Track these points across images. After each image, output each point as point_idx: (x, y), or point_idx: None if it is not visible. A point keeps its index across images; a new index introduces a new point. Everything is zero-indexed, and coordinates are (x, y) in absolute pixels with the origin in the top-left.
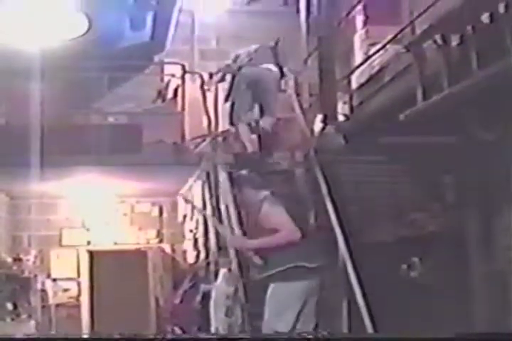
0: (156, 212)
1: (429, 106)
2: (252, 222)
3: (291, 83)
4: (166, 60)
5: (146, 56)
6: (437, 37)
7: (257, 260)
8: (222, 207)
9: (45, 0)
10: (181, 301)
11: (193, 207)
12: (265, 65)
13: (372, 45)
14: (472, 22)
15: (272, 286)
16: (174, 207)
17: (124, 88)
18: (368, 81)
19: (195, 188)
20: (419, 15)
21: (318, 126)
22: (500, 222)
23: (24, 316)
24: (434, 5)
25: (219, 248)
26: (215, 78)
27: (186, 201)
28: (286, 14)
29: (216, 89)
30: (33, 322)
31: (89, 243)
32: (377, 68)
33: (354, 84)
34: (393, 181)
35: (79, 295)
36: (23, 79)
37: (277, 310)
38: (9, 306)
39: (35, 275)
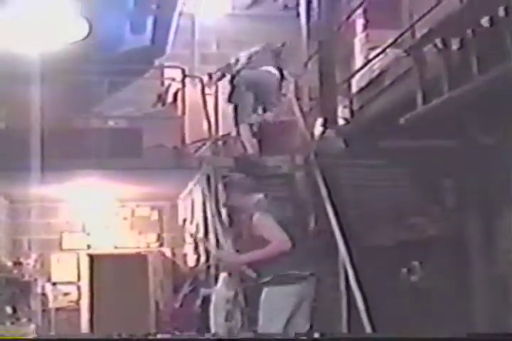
0: (156, 216)
1: (429, 110)
2: (245, 228)
3: (292, 87)
4: (166, 64)
5: (146, 60)
6: (437, 41)
7: (250, 273)
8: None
9: (45, 4)
10: (181, 305)
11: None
12: (264, 67)
13: (373, 49)
14: (472, 26)
15: (265, 290)
16: (174, 211)
17: (124, 92)
18: (368, 85)
19: (195, 192)
20: (419, 19)
21: (318, 129)
22: (501, 226)
23: (24, 320)
24: (434, 9)
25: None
26: (215, 77)
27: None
28: (287, 18)
29: (216, 93)
30: (32, 326)
31: (89, 247)
32: (377, 72)
33: (354, 88)
34: (393, 185)
35: (79, 299)
36: (24, 83)
37: (270, 314)
38: (9, 310)
39: (35, 279)
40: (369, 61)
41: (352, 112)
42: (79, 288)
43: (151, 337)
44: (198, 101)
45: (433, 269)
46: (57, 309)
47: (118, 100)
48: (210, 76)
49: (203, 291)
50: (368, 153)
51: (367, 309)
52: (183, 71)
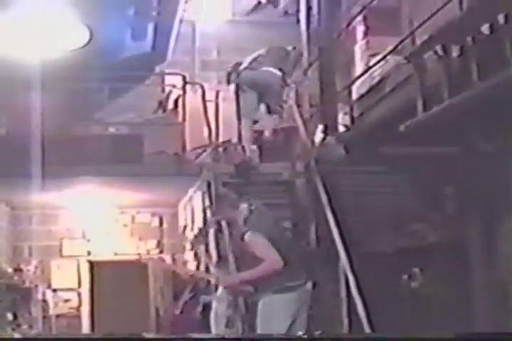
0: (156, 222)
1: (429, 117)
2: (236, 245)
3: (292, 94)
4: (166, 71)
5: (147, 67)
6: (438, 48)
7: (248, 288)
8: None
9: (46, 11)
10: (182, 312)
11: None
12: (266, 68)
13: (373, 55)
14: (472, 33)
15: (262, 299)
16: (174, 217)
17: (125, 98)
18: (368, 92)
19: (195, 199)
20: (420, 25)
21: (318, 136)
22: (501, 232)
23: (25, 326)
24: (434, 16)
25: (219, 258)
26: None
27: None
28: (287, 25)
29: (217, 99)
30: (33, 333)
31: (89, 253)
32: (377, 79)
33: (355, 95)
34: (394, 192)
35: (79, 305)
36: (24, 89)
37: (270, 323)
38: (10, 316)
39: (36, 286)
40: (369, 68)
41: (352, 119)
42: (79, 295)
43: (150, 337)
44: (198, 108)
45: (434, 276)
46: (58, 315)
47: (119, 107)
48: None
49: (203, 298)
50: (369, 160)
51: (367, 315)
52: (184, 78)
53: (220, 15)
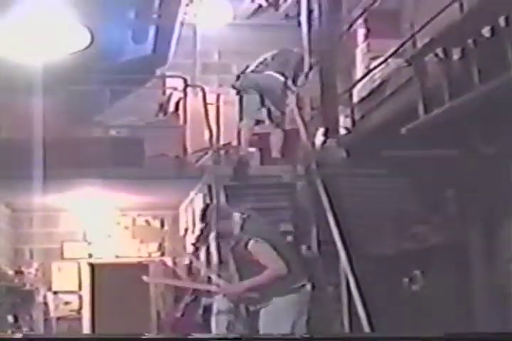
0: (157, 225)
1: (430, 120)
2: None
3: (293, 96)
4: (168, 74)
5: (147, 69)
6: (439, 50)
7: (253, 295)
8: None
9: (46, 13)
10: (182, 314)
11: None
12: (268, 72)
13: (374, 58)
14: (473, 36)
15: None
16: (176, 220)
17: (126, 101)
18: (369, 94)
19: (196, 201)
20: (421, 28)
21: (319, 139)
22: (502, 235)
23: (25, 329)
24: (435, 19)
25: (220, 261)
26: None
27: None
28: (288, 28)
29: (218, 102)
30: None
31: (90, 256)
32: (378, 82)
33: (355, 98)
34: (395, 194)
35: (80, 308)
36: (25, 92)
37: (271, 324)
38: (10, 319)
39: (37, 288)
40: (370, 71)
41: (353, 122)
42: (80, 297)
43: (150, 337)
44: (199, 111)
45: (434, 278)
46: (59, 318)
47: (120, 109)
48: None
49: (204, 301)
50: (370, 163)
51: (368, 317)
52: (185, 80)
53: (221, 19)
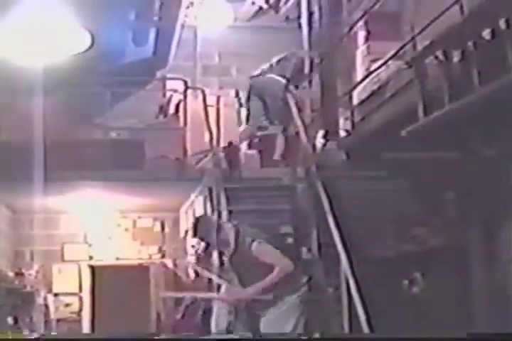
0: (158, 227)
1: (430, 122)
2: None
3: (293, 99)
4: (168, 76)
5: (148, 72)
6: (439, 53)
7: (267, 296)
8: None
9: (47, 15)
10: (183, 316)
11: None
12: (270, 75)
13: (374, 60)
14: (473, 38)
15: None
16: (176, 222)
17: (126, 103)
18: (369, 97)
19: (197, 203)
20: (421, 31)
21: (319, 141)
22: (502, 237)
23: (26, 331)
24: (435, 21)
25: (221, 263)
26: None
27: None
28: (288, 30)
29: (218, 104)
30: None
31: (91, 258)
32: (378, 84)
33: (356, 100)
34: (395, 196)
35: (80, 310)
36: (26, 94)
37: (272, 326)
38: (10, 321)
39: (37, 290)
40: (370, 73)
41: (353, 124)
42: (80, 299)
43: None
44: (199, 113)
45: (434, 280)
46: (59, 320)
47: (120, 112)
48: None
49: (204, 303)
50: (370, 165)
51: (368, 319)
52: (185, 83)
53: (221, 21)
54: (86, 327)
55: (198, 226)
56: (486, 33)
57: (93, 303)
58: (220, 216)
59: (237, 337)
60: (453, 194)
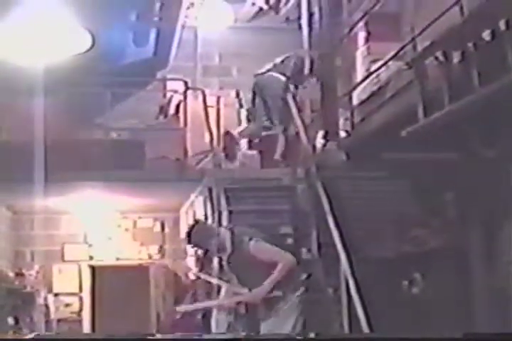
0: (158, 227)
1: (430, 123)
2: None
3: (293, 99)
4: (168, 76)
5: (148, 72)
6: (439, 53)
7: (277, 293)
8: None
9: (47, 16)
10: (183, 316)
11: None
12: (272, 73)
13: (374, 61)
14: (473, 39)
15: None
16: (176, 222)
17: (127, 104)
18: (369, 97)
19: (197, 204)
20: (421, 32)
21: (319, 142)
22: (502, 238)
23: (26, 331)
24: (435, 22)
25: (220, 266)
26: None
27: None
28: (288, 31)
29: (218, 105)
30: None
31: (91, 258)
32: (378, 85)
33: (355, 101)
34: (395, 197)
35: (81, 310)
36: (26, 94)
37: (275, 323)
38: (11, 321)
39: (38, 290)
40: (370, 73)
41: (353, 125)
42: (81, 299)
43: (150, 337)
44: (200, 114)
45: (434, 281)
46: (59, 320)
47: (120, 112)
48: None
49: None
50: (369, 166)
51: (367, 320)
52: (186, 83)
53: (222, 22)
54: (86, 327)
55: (192, 233)
56: (486, 34)
57: (93, 303)
58: (220, 216)
59: (237, 336)
60: (453, 195)
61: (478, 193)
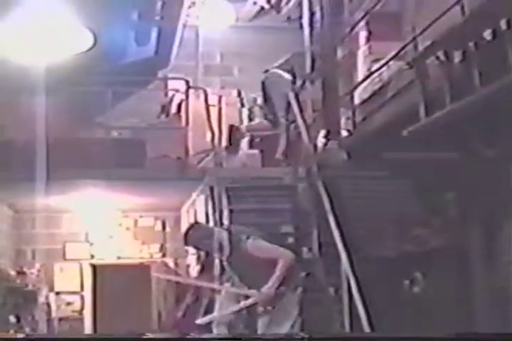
0: (159, 226)
1: (431, 122)
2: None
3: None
4: (170, 75)
5: (150, 71)
6: (440, 53)
7: (282, 289)
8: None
9: (49, 15)
10: (184, 315)
11: None
12: (277, 70)
13: (375, 61)
14: (474, 38)
15: None
16: (177, 221)
17: (128, 103)
18: (370, 97)
19: (198, 203)
20: (422, 31)
21: (321, 141)
22: (502, 238)
23: (27, 330)
24: (436, 21)
25: (221, 267)
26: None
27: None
28: (290, 30)
29: (220, 104)
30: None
31: (92, 257)
32: (380, 84)
33: (357, 100)
34: (396, 197)
35: (82, 308)
36: (28, 93)
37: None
38: (13, 319)
39: (39, 289)
40: (372, 73)
41: (355, 124)
42: (82, 298)
43: (150, 337)
44: (201, 112)
45: (435, 280)
46: (61, 318)
47: (122, 111)
48: None
49: (205, 301)
50: (371, 165)
51: (369, 319)
52: (187, 82)
53: (223, 21)
54: (88, 326)
55: (189, 234)
56: (487, 34)
57: (94, 302)
58: (221, 215)
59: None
60: (454, 194)
61: (479, 193)
